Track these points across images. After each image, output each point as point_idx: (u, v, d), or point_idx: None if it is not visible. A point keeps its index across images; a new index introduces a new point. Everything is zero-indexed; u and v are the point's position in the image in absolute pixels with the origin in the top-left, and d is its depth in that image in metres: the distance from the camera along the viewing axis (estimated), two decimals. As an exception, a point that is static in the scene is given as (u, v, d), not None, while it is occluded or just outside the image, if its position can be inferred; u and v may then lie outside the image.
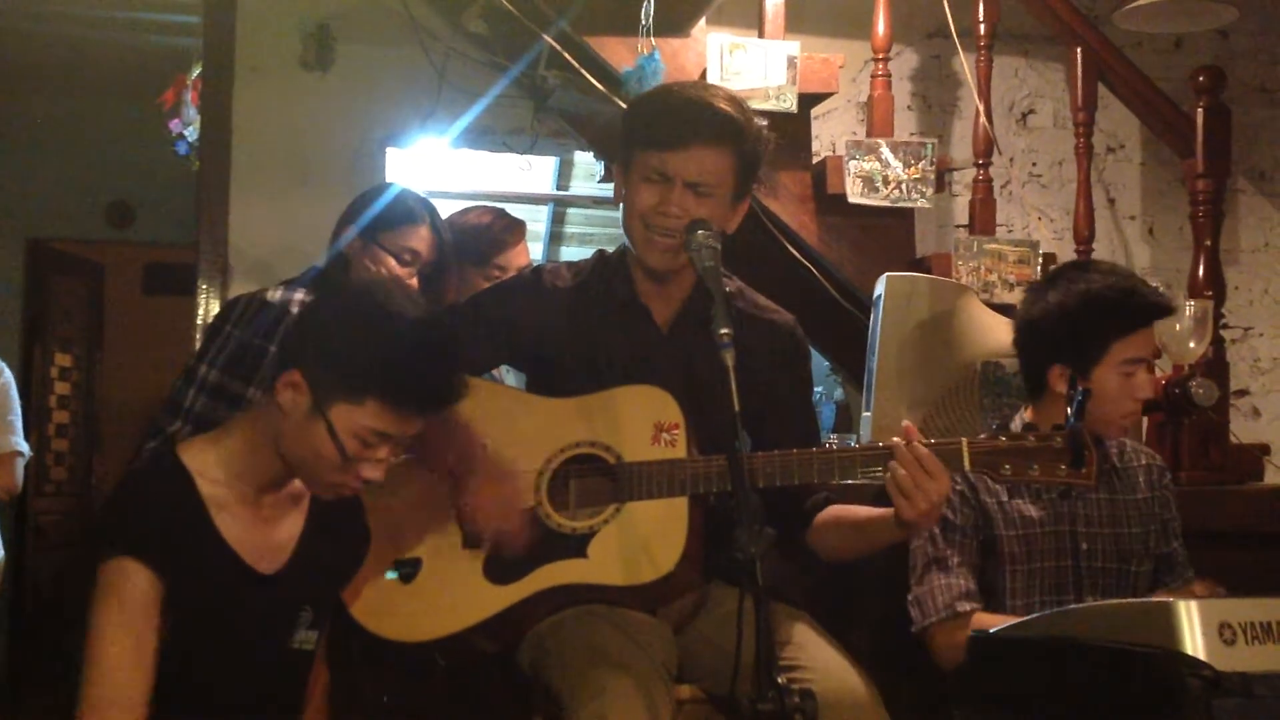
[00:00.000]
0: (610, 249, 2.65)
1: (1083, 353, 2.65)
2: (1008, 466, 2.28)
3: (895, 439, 2.27)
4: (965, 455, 2.28)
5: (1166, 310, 2.70)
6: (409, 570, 2.40)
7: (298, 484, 2.23)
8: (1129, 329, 2.64)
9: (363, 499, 2.42)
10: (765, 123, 2.48)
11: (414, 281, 3.00)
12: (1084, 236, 3.88)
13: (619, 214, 2.50)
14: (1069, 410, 2.30)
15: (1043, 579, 2.63)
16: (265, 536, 2.18)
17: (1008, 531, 2.63)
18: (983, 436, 2.31)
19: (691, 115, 2.39)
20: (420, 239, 3.02)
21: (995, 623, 2.45)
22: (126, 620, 2.01)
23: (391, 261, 2.98)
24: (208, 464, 2.14)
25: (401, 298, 2.15)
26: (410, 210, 3.05)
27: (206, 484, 2.12)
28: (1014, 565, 2.63)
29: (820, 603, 2.57)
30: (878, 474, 2.28)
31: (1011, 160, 4.81)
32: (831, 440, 3.88)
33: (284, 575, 2.19)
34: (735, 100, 2.46)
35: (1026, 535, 2.63)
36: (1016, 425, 2.71)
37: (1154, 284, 2.78)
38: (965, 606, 2.58)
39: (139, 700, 1.99)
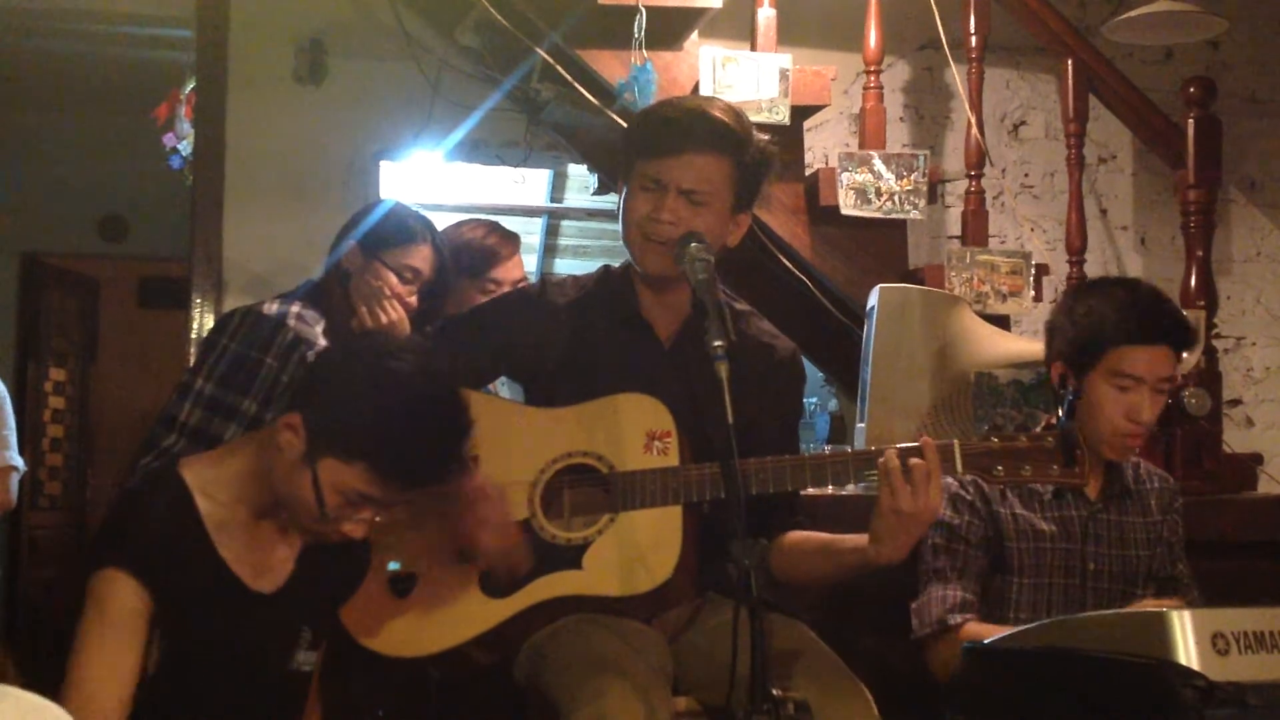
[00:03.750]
0: (606, 261, 2.65)
1: (1078, 353, 2.64)
2: (1000, 468, 2.28)
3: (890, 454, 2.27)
4: (958, 457, 2.27)
5: (1176, 334, 2.63)
6: (404, 585, 2.40)
7: None
8: (1126, 340, 2.59)
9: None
10: (766, 139, 2.47)
11: (413, 299, 3.01)
12: (1076, 247, 3.89)
13: (614, 226, 2.51)
14: (1060, 410, 2.30)
15: (1049, 594, 2.64)
16: (263, 557, 2.18)
17: (1019, 544, 2.64)
18: (975, 438, 2.31)
19: (687, 123, 2.40)
20: (422, 258, 3.03)
21: (986, 633, 2.45)
22: (108, 632, 2.01)
23: (393, 279, 2.99)
24: (209, 483, 2.14)
25: (413, 359, 2.11)
26: (411, 229, 3.06)
27: (206, 502, 2.12)
28: (1021, 578, 2.64)
29: (821, 609, 2.57)
30: (870, 476, 2.28)
31: (1003, 171, 4.82)
32: (825, 452, 3.88)
33: (282, 595, 2.19)
34: (735, 112, 2.46)
35: (1036, 549, 2.64)
36: None
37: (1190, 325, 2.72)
38: (956, 619, 2.59)
39: (117, 715, 1.98)
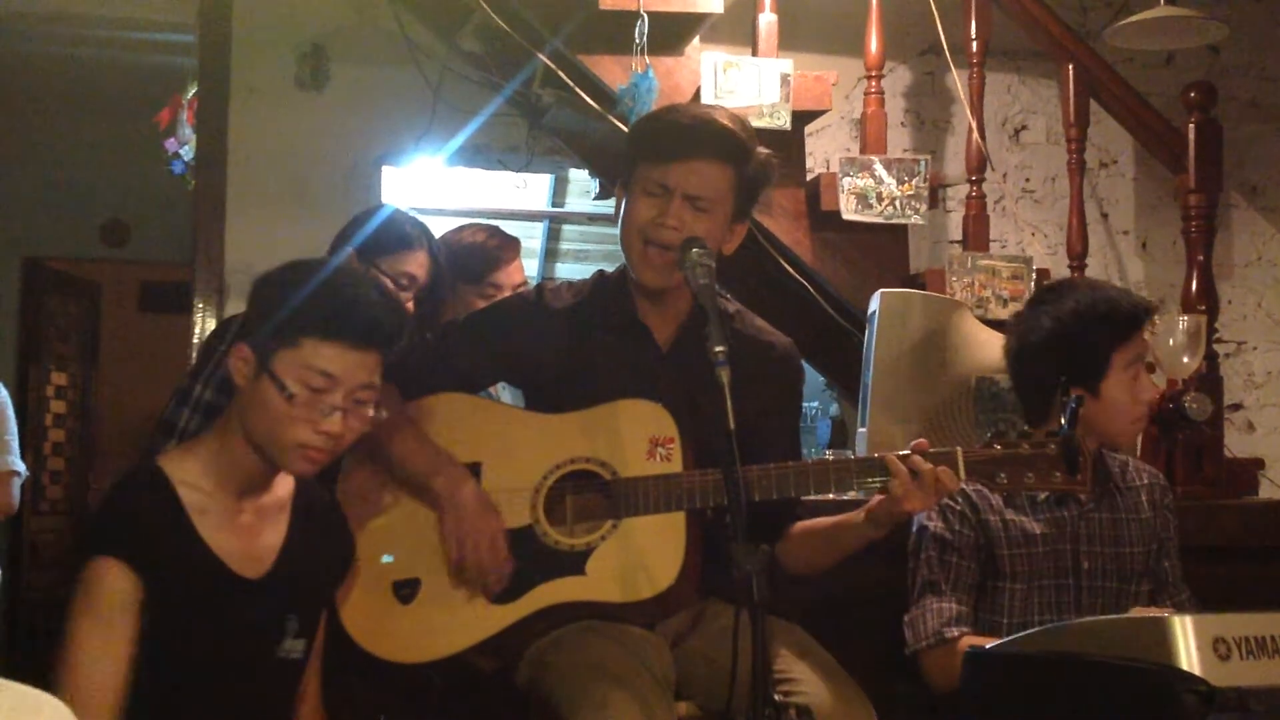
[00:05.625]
0: (606, 266, 2.65)
1: (1088, 368, 2.66)
2: (1003, 475, 2.29)
3: (891, 455, 2.28)
4: (960, 464, 2.29)
5: (1151, 310, 2.74)
6: (408, 591, 2.40)
7: (280, 491, 2.26)
8: (1125, 335, 2.66)
9: (356, 518, 2.43)
10: (768, 151, 2.49)
11: (410, 305, 3.01)
12: (1077, 252, 3.89)
13: (614, 229, 2.52)
14: (1062, 418, 2.31)
15: (1042, 597, 2.64)
16: (248, 543, 2.20)
17: (1010, 550, 2.63)
18: (977, 446, 2.32)
19: (694, 129, 2.41)
20: (417, 264, 3.04)
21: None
22: (100, 619, 2.03)
23: (389, 285, 2.99)
24: (187, 471, 2.17)
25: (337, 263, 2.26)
26: (407, 235, 3.06)
27: (187, 490, 2.15)
28: (1014, 583, 2.64)
29: (815, 616, 2.57)
30: (874, 484, 2.30)
31: (1005, 176, 4.83)
32: (827, 457, 3.88)
33: (268, 581, 2.20)
34: (739, 120, 2.48)
35: (1028, 553, 2.64)
36: None
37: (1145, 296, 2.81)
38: (953, 632, 2.59)
39: (111, 700, 1.99)
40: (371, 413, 2.18)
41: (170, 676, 2.09)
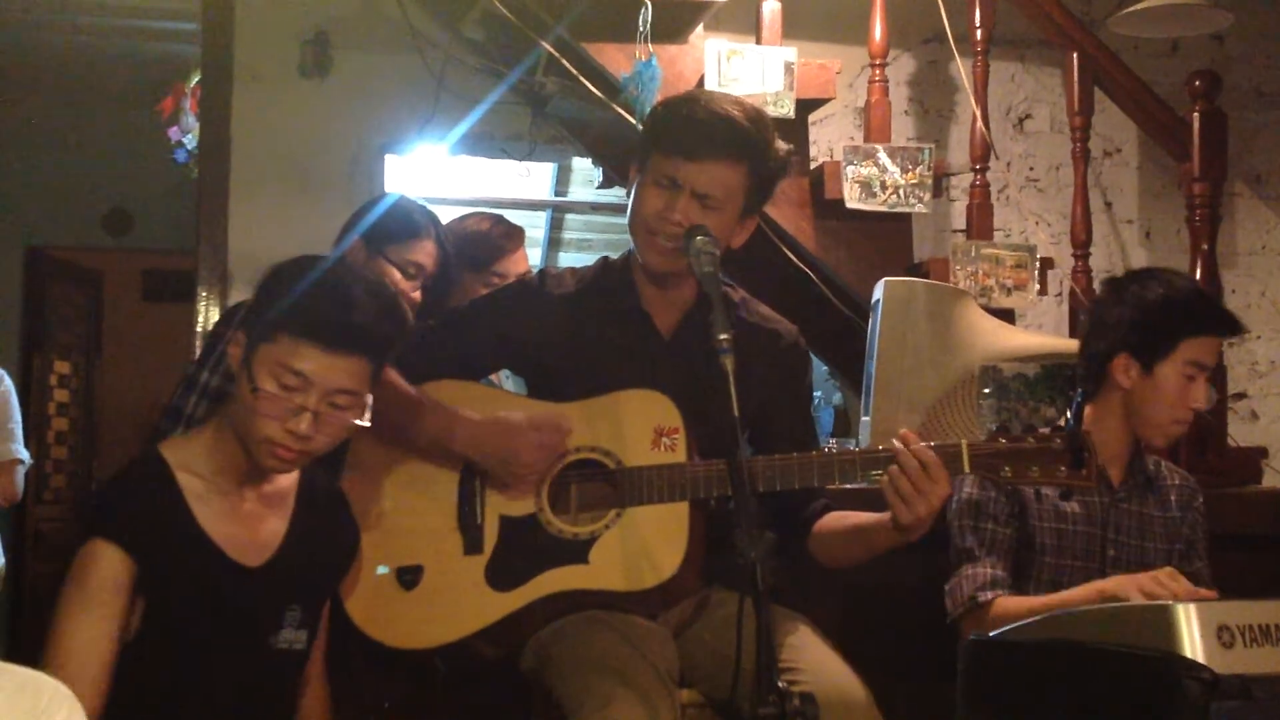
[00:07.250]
0: (610, 254, 2.65)
1: (1152, 344, 2.67)
2: (1007, 468, 2.29)
3: (895, 442, 2.27)
4: (965, 458, 2.28)
5: (1238, 327, 2.74)
6: (411, 577, 2.40)
7: (284, 481, 2.26)
8: (1200, 331, 2.67)
9: (360, 503, 2.43)
10: (787, 146, 2.47)
11: (417, 294, 3.01)
12: (1081, 240, 3.89)
13: (619, 220, 2.52)
14: (1068, 413, 2.31)
15: (1071, 576, 2.65)
16: (248, 531, 2.20)
17: (1042, 523, 2.65)
18: (982, 439, 2.32)
19: (711, 128, 2.38)
20: (425, 253, 3.03)
21: (1016, 607, 2.49)
22: (89, 600, 2.04)
23: (396, 274, 2.99)
24: (186, 457, 2.18)
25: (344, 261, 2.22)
26: (415, 224, 3.06)
27: (186, 476, 2.15)
28: (1044, 556, 2.65)
29: (821, 606, 2.57)
30: (878, 477, 2.29)
31: (1009, 165, 4.82)
32: (830, 445, 3.88)
33: (269, 569, 2.20)
34: (757, 117, 2.45)
35: (1059, 529, 2.66)
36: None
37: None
38: (986, 596, 2.59)
39: (96, 679, 2.00)
40: (353, 419, 2.15)
41: (165, 660, 2.10)
